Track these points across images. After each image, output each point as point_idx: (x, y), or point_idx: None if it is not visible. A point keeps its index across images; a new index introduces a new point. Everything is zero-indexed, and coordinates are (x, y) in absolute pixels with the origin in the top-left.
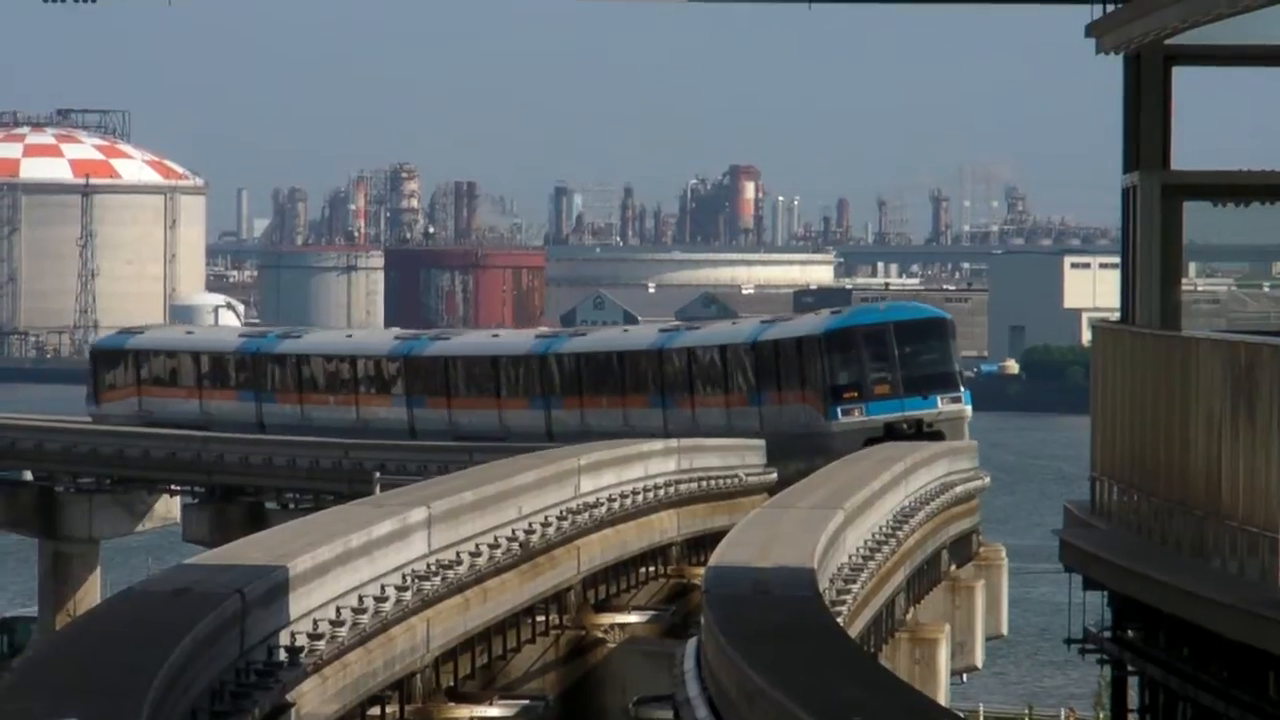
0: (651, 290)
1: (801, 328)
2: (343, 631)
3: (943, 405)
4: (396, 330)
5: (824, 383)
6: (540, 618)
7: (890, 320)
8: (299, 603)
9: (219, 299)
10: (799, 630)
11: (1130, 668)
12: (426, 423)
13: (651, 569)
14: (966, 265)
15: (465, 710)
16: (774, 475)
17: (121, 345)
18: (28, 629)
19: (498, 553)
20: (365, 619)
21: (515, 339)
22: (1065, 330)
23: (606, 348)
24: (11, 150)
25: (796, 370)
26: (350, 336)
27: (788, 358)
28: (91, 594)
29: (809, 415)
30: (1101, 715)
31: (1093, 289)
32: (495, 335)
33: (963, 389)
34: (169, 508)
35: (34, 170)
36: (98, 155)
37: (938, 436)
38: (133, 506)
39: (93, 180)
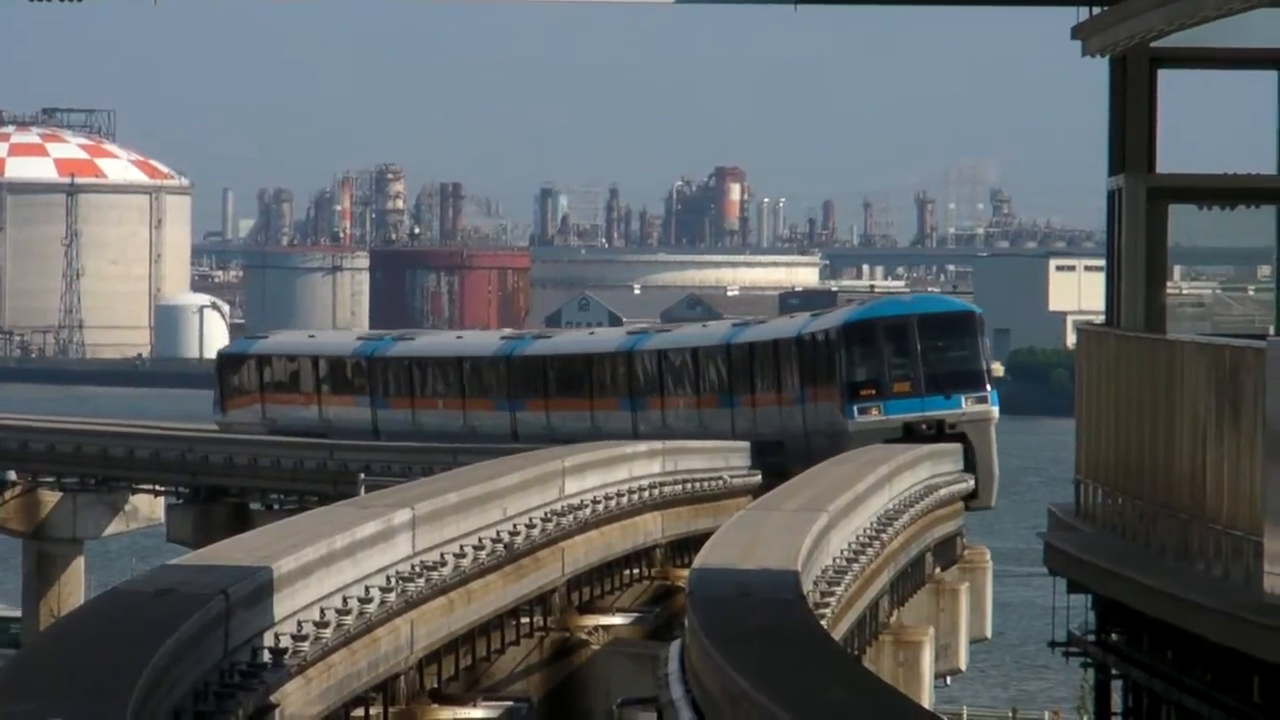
0: (637, 292)
1: (783, 329)
2: (327, 633)
3: (967, 406)
4: (507, 330)
5: (840, 379)
6: (524, 619)
7: (914, 313)
8: (283, 604)
9: (204, 299)
10: (783, 632)
11: (1114, 671)
12: (527, 427)
13: (636, 571)
14: (952, 268)
15: (449, 712)
16: (758, 477)
17: (246, 351)
18: (5, 628)
19: (482, 554)
20: (349, 620)
21: (608, 336)
22: (1050, 333)
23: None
24: None
25: (813, 367)
26: (460, 337)
27: (807, 354)
28: (76, 594)
29: (827, 414)
30: (1085, 719)
31: (1078, 292)
32: (592, 333)
33: (990, 389)
34: (153, 508)
35: (19, 169)
36: (83, 155)
37: (961, 440)
38: (117, 507)
39: (78, 180)
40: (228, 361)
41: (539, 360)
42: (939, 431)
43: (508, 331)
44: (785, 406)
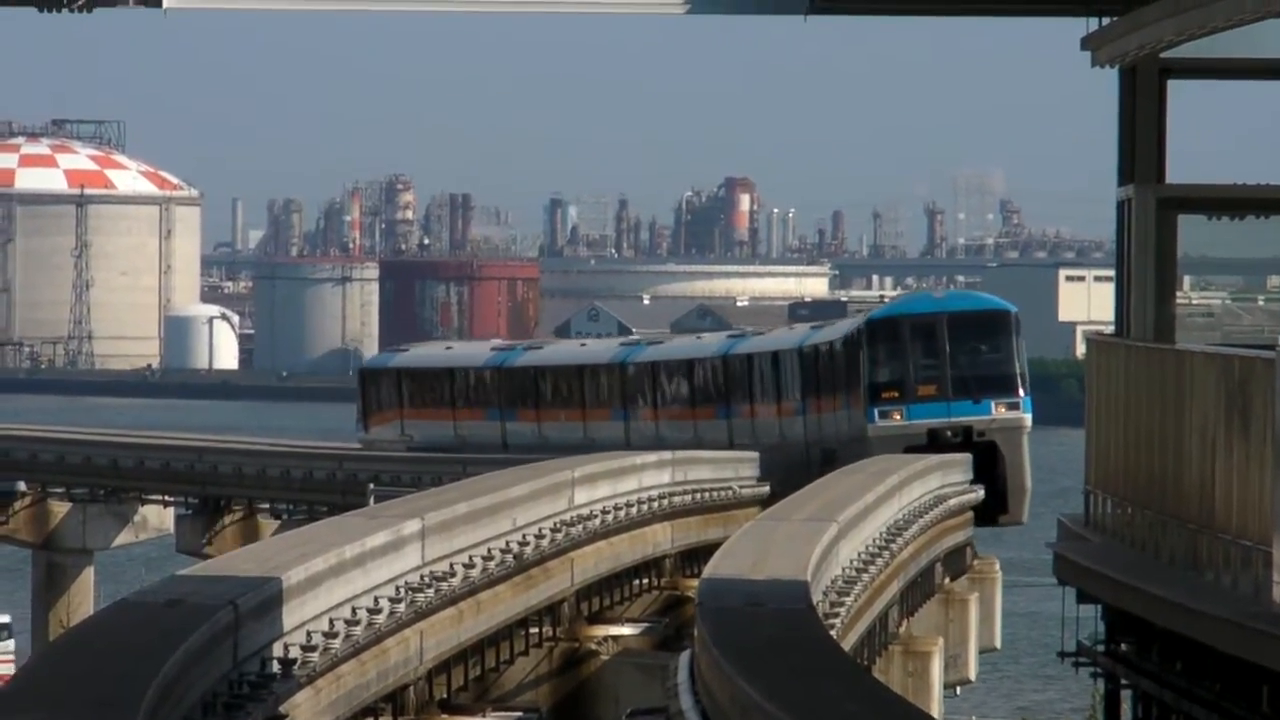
0: (646, 302)
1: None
2: (336, 643)
3: (997, 412)
4: (633, 336)
5: (862, 380)
6: (533, 630)
7: (944, 310)
8: (292, 614)
9: (213, 310)
10: (792, 643)
11: (1124, 681)
12: (640, 436)
13: (645, 581)
14: (961, 278)
15: None
16: (766, 488)
17: (385, 365)
18: None
19: (491, 564)
20: (358, 631)
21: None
22: (1060, 343)
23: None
24: (6, 160)
25: (831, 371)
26: (584, 345)
27: (824, 358)
28: (85, 605)
29: (847, 420)
30: None
31: (1087, 302)
32: (699, 338)
33: (1023, 394)
34: (162, 519)
35: (29, 180)
36: (92, 166)
37: (990, 449)
38: (126, 517)
39: (87, 190)
40: (369, 376)
41: (653, 367)
42: (966, 439)
43: (629, 338)
44: (801, 415)
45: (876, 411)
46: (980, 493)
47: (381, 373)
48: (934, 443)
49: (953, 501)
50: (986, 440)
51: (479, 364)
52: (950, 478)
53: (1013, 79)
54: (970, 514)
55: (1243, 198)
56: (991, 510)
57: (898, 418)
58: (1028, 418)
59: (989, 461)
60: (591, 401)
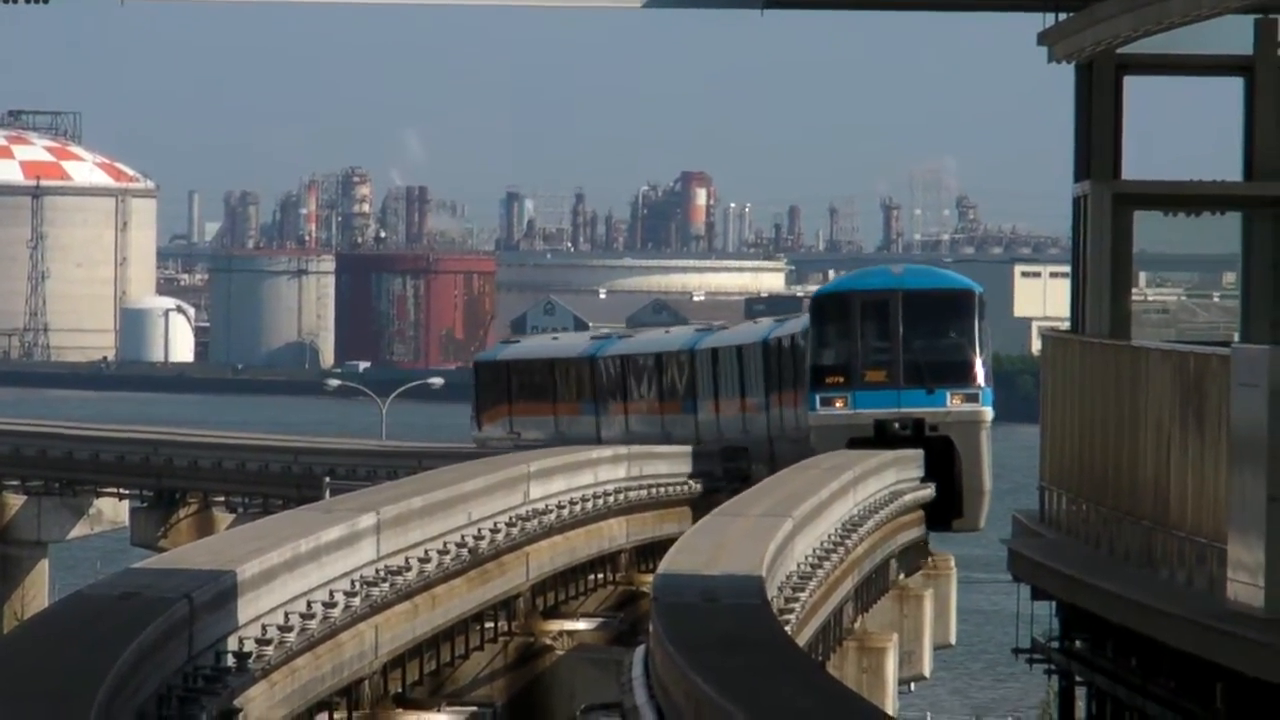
0: (603, 296)
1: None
2: (291, 637)
3: (953, 403)
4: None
5: (805, 363)
6: (489, 624)
7: (899, 288)
8: (247, 608)
9: (169, 302)
10: (747, 638)
11: (1078, 678)
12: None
13: (600, 576)
14: None
15: (413, 717)
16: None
17: (495, 358)
18: None
19: (447, 559)
20: (314, 625)
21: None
22: (1015, 339)
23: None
24: None
25: (779, 362)
26: (668, 332)
27: (772, 351)
28: (40, 598)
29: (794, 413)
30: None
31: (1043, 298)
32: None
33: (983, 385)
34: (117, 511)
35: None
36: (48, 157)
37: (944, 445)
38: (81, 510)
39: (43, 182)
40: (482, 370)
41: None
42: (918, 433)
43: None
44: (750, 412)
45: (818, 398)
46: (930, 491)
47: (492, 366)
48: (881, 436)
49: (908, 498)
50: (940, 435)
51: (575, 355)
52: (906, 473)
53: (970, 75)
54: (921, 513)
55: (1198, 194)
56: (945, 513)
57: (841, 405)
58: (988, 411)
59: (943, 459)
60: (668, 394)
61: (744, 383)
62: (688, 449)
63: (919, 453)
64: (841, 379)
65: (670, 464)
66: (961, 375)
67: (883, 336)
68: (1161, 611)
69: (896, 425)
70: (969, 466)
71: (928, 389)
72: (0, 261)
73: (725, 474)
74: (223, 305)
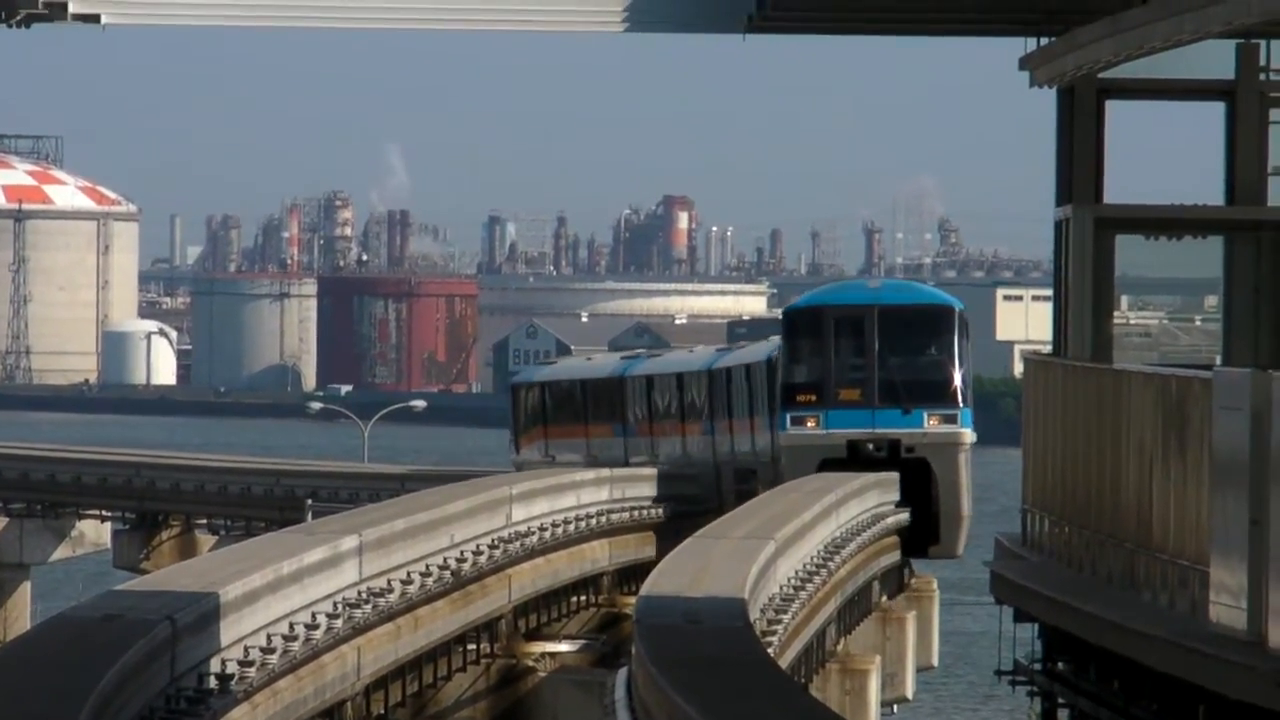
0: (585, 320)
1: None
2: (273, 659)
3: (930, 424)
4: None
5: (776, 380)
6: (471, 646)
7: (875, 303)
8: (230, 630)
9: (151, 326)
10: (730, 660)
11: (1061, 700)
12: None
13: (583, 598)
14: None
15: None
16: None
17: (531, 379)
18: None
19: (429, 581)
20: (296, 646)
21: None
22: (998, 362)
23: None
24: None
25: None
26: (692, 351)
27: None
28: (22, 620)
29: (767, 433)
30: None
31: (1025, 321)
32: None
33: (963, 405)
34: (100, 533)
35: None
36: (30, 181)
37: (921, 468)
38: (63, 532)
39: (25, 206)
40: (518, 392)
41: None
42: (893, 455)
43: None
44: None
45: (789, 417)
46: (905, 516)
47: (528, 388)
48: (855, 457)
49: (890, 520)
50: (917, 457)
51: (604, 375)
52: (889, 496)
53: (952, 99)
54: (896, 538)
55: (1180, 218)
56: (921, 539)
57: (812, 425)
58: (967, 433)
59: (920, 482)
60: (690, 414)
61: (752, 402)
62: (676, 471)
63: (895, 476)
64: (814, 397)
65: (653, 487)
66: (940, 395)
67: (857, 353)
68: (1144, 634)
69: (871, 446)
70: (946, 490)
71: (904, 409)
72: None
73: (738, 496)
74: (205, 328)
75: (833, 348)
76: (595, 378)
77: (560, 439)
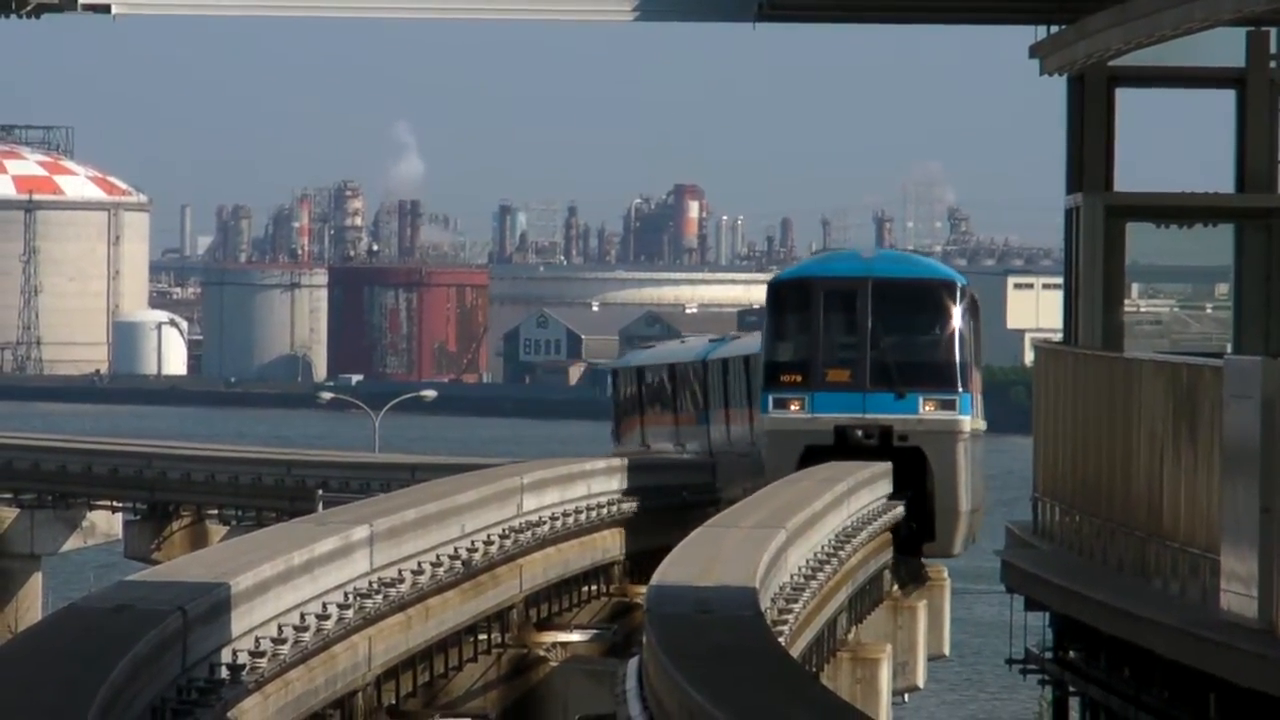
0: (595, 309)
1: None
2: (284, 649)
3: (926, 410)
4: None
5: (760, 359)
6: (482, 636)
7: (869, 275)
8: (241, 620)
9: (162, 316)
10: (741, 650)
11: (1071, 688)
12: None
13: (594, 587)
14: None
15: None
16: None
17: (628, 364)
18: None
19: (440, 571)
20: (307, 636)
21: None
22: (1008, 351)
23: None
24: None
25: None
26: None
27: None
28: (33, 610)
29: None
30: None
31: (1036, 309)
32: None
33: (962, 390)
34: (111, 524)
35: None
36: (41, 171)
37: (915, 457)
38: (75, 523)
39: (36, 196)
40: (617, 379)
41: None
42: (884, 443)
43: None
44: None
45: (771, 399)
46: (899, 511)
47: (625, 374)
48: (842, 445)
49: (901, 509)
50: (911, 446)
51: (689, 359)
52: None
53: (962, 87)
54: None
55: (1190, 206)
56: (915, 536)
57: (796, 408)
58: (966, 420)
59: (914, 473)
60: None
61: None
62: (687, 459)
63: (886, 466)
64: (799, 378)
65: (665, 476)
66: (937, 378)
67: (848, 330)
68: (1155, 622)
69: (860, 433)
70: (943, 483)
71: (897, 393)
72: None
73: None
74: (215, 318)
75: (821, 324)
76: (682, 361)
77: (655, 427)
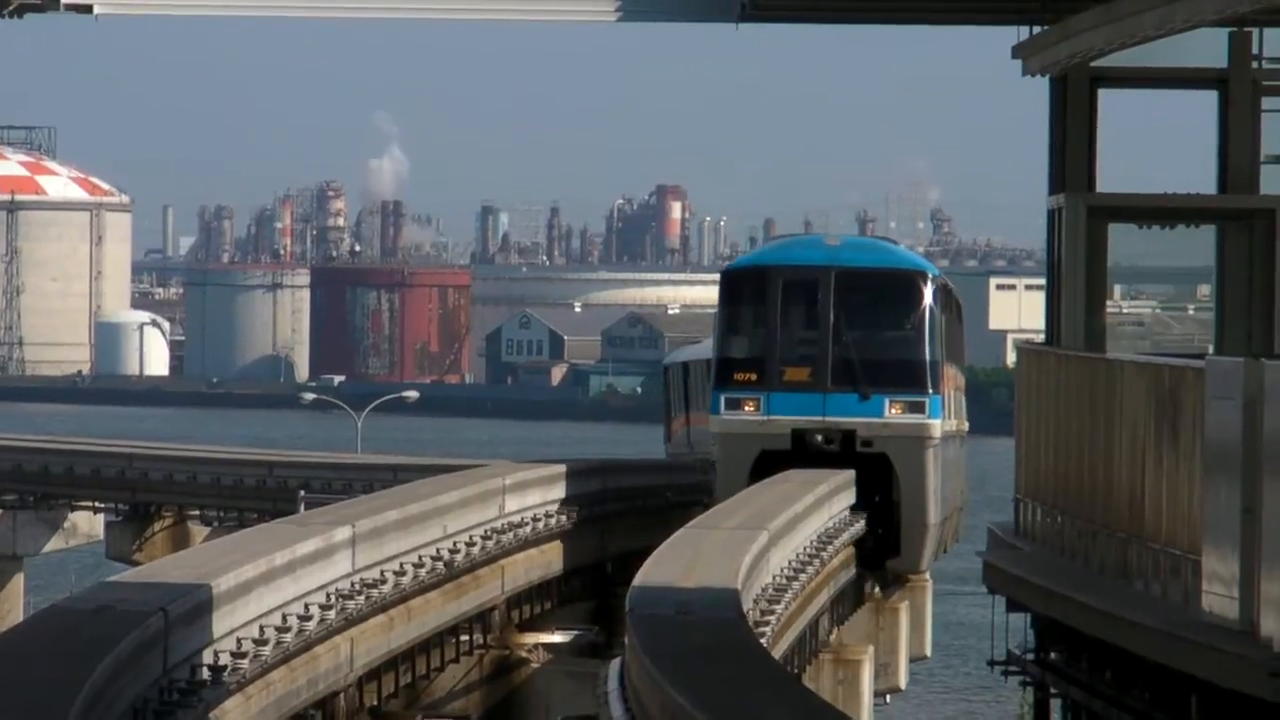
0: (578, 310)
1: None
2: (266, 650)
3: (892, 413)
4: None
5: (712, 355)
6: (464, 637)
7: (832, 264)
8: (223, 621)
9: (144, 316)
10: (723, 651)
11: (1053, 690)
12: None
13: (576, 588)
14: None
15: None
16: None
17: (678, 360)
18: None
19: (422, 572)
20: (289, 637)
21: None
22: (990, 351)
23: None
24: None
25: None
26: None
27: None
28: (15, 611)
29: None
30: None
31: (1018, 310)
32: None
33: (932, 392)
34: (93, 525)
35: None
36: (23, 172)
37: (881, 464)
38: (56, 524)
39: (18, 197)
40: (669, 374)
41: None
42: (846, 449)
43: None
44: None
45: (723, 399)
46: (861, 525)
47: (673, 370)
48: (801, 450)
49: (862, 523)
50: (875, 452)
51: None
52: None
53: (945, 88)
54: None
55: (1173, 207)
56: (880, 549)
57: (751, 410)
58: (935, 424)
59: (879, 482)
60: None
61: None
62: (666, 461)
63: (848, 474)
64: (754, 377)
65: (646, 477)
66: (905, 377)
67: (808, 325)
68: (1136, 623)
69: (820, 438)
70: (909, 493)
71: (861, 394)
72: None
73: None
74: (198, 319)
75: (778, 317)
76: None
77: (701, 426)
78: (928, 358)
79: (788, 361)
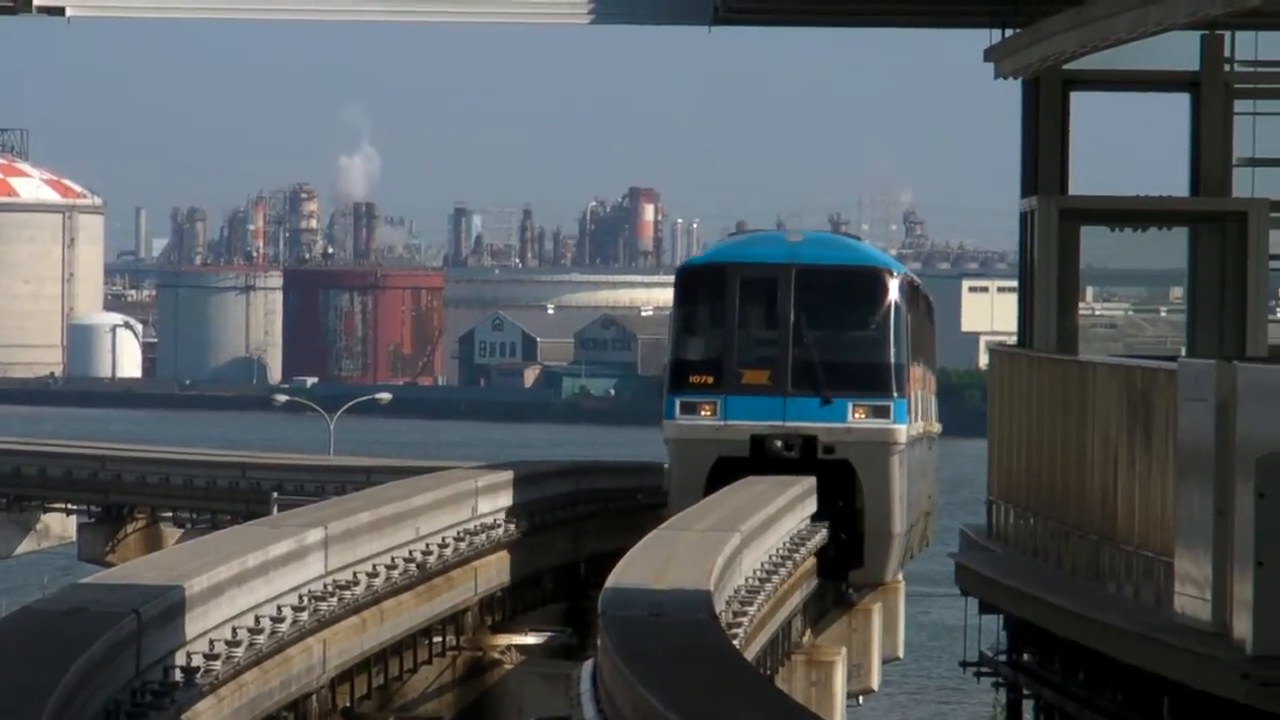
0: (551, 312)
1: None
2: (239, 652)
3: (855, 418)
4: None
5: (668, 356)
6: (437, 639)
7: (792, 262)
8: (195, 623)
9: (117, 318)
10: (695, 652)
11: (1025, 691)
12: None
13: (549, 590)
14: None
15: None
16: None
17: None
18: None
19: (395, 574)
20: (262, 639)
21: None
22: (963, 354)
23: None
24: None
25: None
26: None
27: None
28: None
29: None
30: None
31: (991, 312)
32: None
33: (897, 395)
34: (65, 527)
35: None
36: None
37: (843, 471)
38: (28, 526)
39: None
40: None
41: None
42: (807, 455)
43: None
44: None
45: (678, 403)
46: (823, 535)
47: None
48: (759, 457)
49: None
50: (838, 458)
51: None
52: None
53: (917, 90)
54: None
55: (1145, 209)
56: (842, 559)
57: (708, 414)
58: (901, 430)
59: (842, 490)
60: None
61: None
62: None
63: (809, 481)
64: (710, 379)
65: (618, 479)
66: (868, 381)
67: (767, 325)
68: (1108, 625)
69: (780, 444)
70: (873, 501)
71: (823, 397)
72: None
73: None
74: (170, 321)
75: (736, 317)
76: None
77: None
78: (893, 359)
79: (746, 364)
